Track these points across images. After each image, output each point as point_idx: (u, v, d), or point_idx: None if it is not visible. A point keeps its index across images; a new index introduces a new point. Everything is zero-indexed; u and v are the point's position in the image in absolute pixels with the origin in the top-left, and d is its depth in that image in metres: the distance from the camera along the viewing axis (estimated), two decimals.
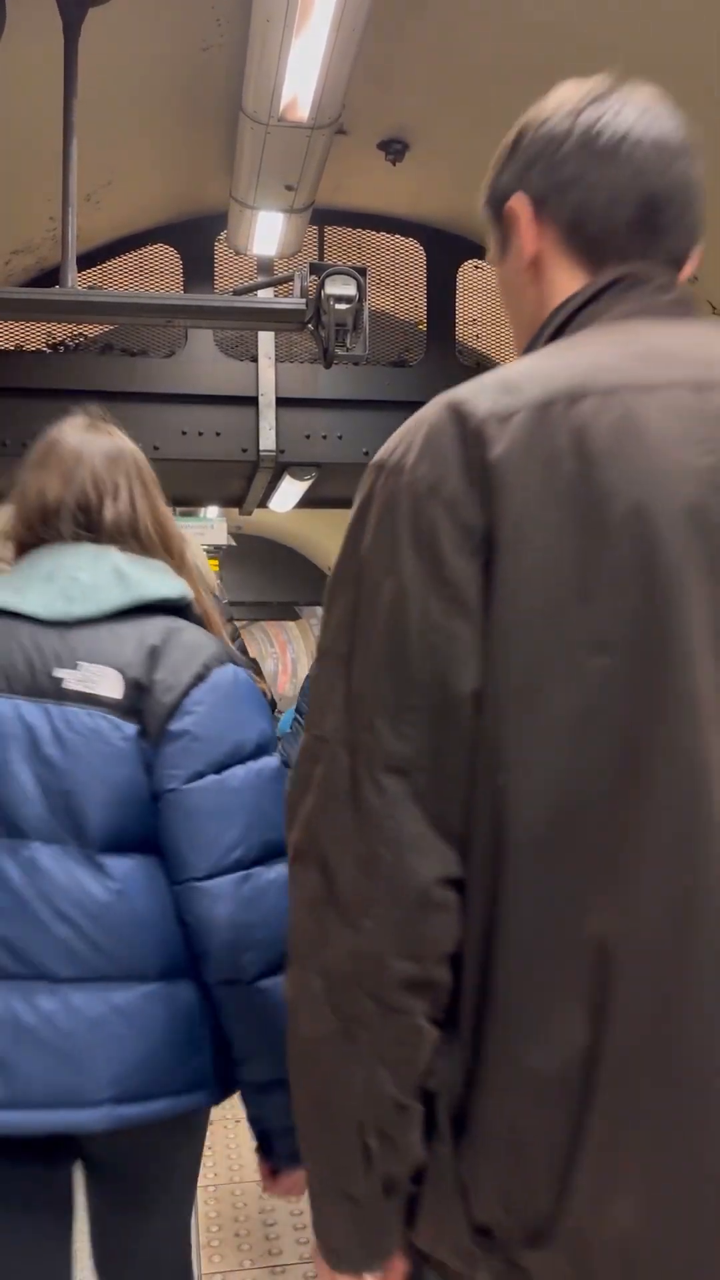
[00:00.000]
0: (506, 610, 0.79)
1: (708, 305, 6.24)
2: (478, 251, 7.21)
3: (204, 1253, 2.45)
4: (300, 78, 4.28)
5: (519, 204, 1.00)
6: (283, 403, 6.71)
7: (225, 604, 3.60)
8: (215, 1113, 1.53)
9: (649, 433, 0.81)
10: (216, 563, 8.45)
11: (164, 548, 1.54)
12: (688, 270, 0.98)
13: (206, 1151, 1.55)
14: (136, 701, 1.37)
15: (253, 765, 1.39)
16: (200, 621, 1.50)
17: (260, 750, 1.41)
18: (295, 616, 27.60)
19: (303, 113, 4.56)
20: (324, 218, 6.84)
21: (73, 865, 1.33)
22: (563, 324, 0.94)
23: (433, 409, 0.88)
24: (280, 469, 7.02)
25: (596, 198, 0.94)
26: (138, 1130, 1.33)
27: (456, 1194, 0.85)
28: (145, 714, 1.37)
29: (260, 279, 6.19)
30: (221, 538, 11.31)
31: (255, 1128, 1.45)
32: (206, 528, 11.68)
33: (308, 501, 8.26)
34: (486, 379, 0.88)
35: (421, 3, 4.74)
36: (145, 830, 1.37)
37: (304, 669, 18.77)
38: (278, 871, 1.35)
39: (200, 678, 1.40)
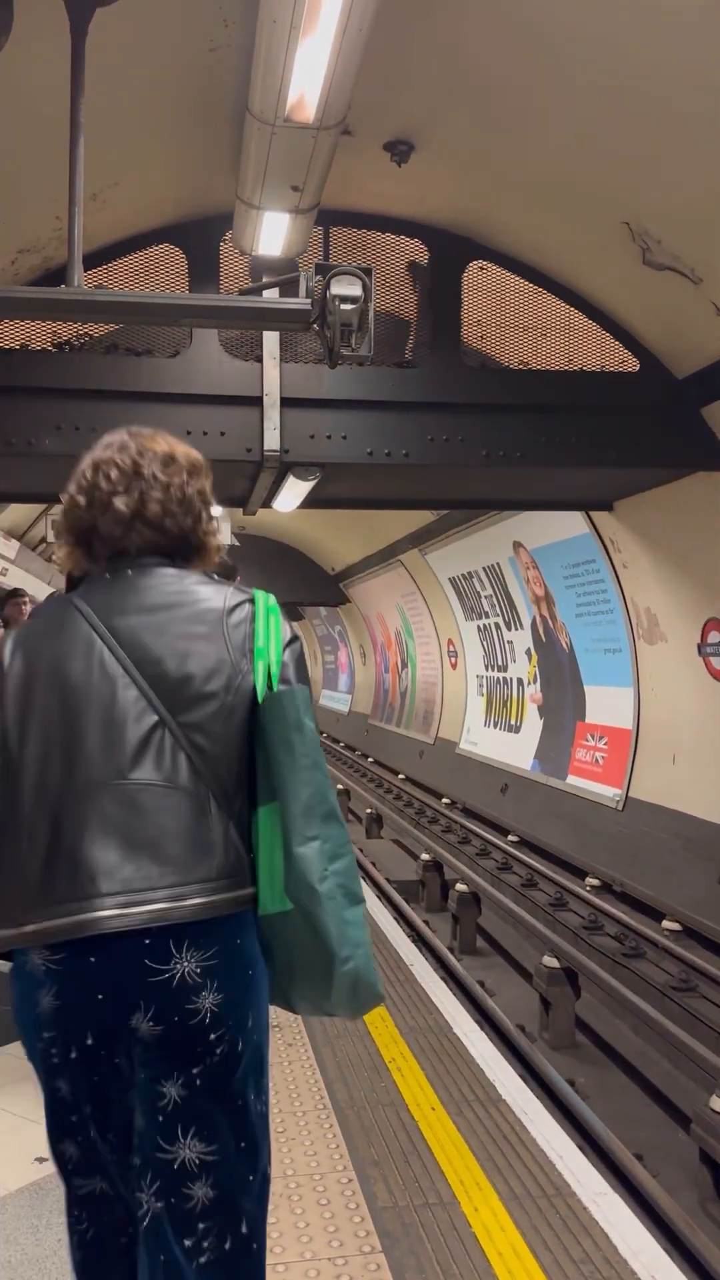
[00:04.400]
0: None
1: (711, 306, 6.25)
2: (483, 253, 7.22)
3: None
4: (307, 79, 4.29)
5: None
6: (287, 403, 6.72)
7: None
8: None
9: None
10: None
11: None
12: None
13: None
14: None
15: None
16: None
17: None
18: (299, 617, 27.61)
19: (309, 113, 4.57)
20: (329, 219, 6.85)
21: None
22: None
23: None
24: (284, 469, 7.04)
25: None
26: None
27: None
28: None
29: (265, 279, 6.20)
30: (225, 538, 11.34)
31: None
32: None
33: (311, 501, 8.28)
34: None
35: (428, 5, 4.75)
36: None
37: None
38: None
39: None
